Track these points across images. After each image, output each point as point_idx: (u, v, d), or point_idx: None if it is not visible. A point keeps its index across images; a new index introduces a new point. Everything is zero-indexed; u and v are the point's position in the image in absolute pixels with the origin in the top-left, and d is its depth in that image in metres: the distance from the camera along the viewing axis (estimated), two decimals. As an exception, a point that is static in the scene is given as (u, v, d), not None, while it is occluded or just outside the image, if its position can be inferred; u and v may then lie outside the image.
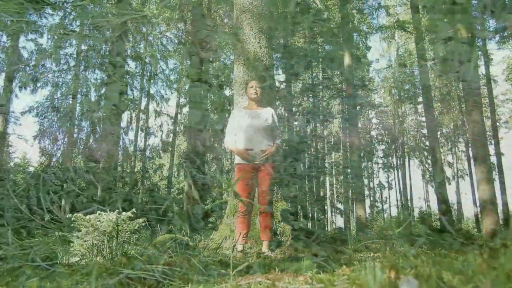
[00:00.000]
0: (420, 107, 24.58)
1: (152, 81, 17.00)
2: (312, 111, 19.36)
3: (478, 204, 14.59)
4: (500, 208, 13.03)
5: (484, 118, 10.60)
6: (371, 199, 29.18)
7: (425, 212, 25.28)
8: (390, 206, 30.66)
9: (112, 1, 12.14)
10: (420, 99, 18.83)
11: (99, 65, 13.65)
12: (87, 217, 3.01)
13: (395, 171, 28.20)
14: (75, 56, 14.30)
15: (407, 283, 0.86)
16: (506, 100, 25.04)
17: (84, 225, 2.96)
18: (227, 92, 15.78)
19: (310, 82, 20.36)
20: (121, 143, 15.23)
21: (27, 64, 13.64)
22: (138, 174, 17.64)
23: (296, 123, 19.89)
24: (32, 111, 14.88)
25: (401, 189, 24.94)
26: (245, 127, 3.64)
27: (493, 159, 15.54)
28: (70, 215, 2.93)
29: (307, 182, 20.64)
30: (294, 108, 18.78)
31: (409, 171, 25.74)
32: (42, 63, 13.73)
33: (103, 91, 12.74)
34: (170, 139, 18.49)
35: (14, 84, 12.50)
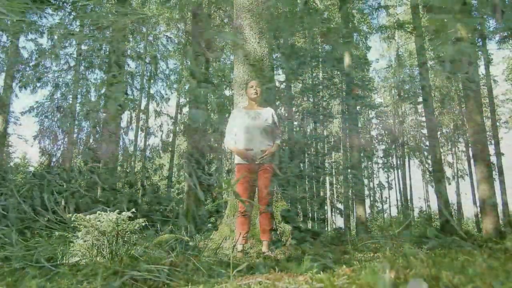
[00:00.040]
0: (420, 107, 24.58)
1: (152, 81, 17.00)
2: (312, 111, 19.36)
3: (478, 204, 14.60)
4: (500, 208, 13.03)
5: (484, 118, 10.60)
6: (371, 199, 29.18)
7: (425, 212, 25.29)
8: (390, 206, 30.67)
9: (112, 1, 12.14)
10: (420, 99, 18.83)
11: (99, 65, 13.66)
12: (87, 217, 3.01)
13: (395, 171, 28.20)
14: (75, 56, 14.31)
15: (415, 285, 0.85)
16: (506, 100, 25.05)
17: (84, 225, 2.96)
18: (227, 92, 15.79)
19: (310, 82, 20.36)
20: (121, 143, 15.24)
21: (27, 64, 13.64)
22: (138, 174, 17.64)
23: (296, 123, 19.89)
24: (32, 111, 14.89)
25: (401, 189, 24.93)
26: (245, 127, 3.63)
27: (493, 159, 15.54)
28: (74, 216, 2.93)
29: (307, 182, 20.64)
30: (294, 108, 18.79)
31: (409, 171, 25.75)
32: (42, 63, 13.74)
33: (103, 91, 12.74)
34: (170, 139, 18.49)
35: (14, 84, 12.51)
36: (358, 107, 19.08)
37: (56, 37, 12.61)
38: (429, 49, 15.23)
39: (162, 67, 17.02)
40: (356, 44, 19.09)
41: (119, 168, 15.50)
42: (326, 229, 21.69)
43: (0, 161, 10.74)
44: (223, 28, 15.04)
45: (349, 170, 17.39)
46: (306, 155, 20.76)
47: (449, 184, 23.77)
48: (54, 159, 15.75)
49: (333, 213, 24.12)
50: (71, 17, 12.16)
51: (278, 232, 4.36)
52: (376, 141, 28.41)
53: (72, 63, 14.26)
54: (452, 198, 22.97)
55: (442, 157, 20.11)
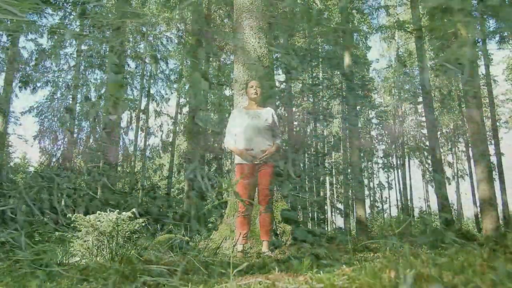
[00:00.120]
0: (420, 107, 24.58)
1: (152, 81, 17.00)
2: (312, 111, 19.36)
3: (478, 204, 14.59)
4: (500, 208, 13.03)
5: (484, 118, 10.60)
6: (371, 199, 29.17)
7: (425, 212, 25.29)
8: (390, 206, 30.66)
9: (113, 1, 12.15)
10: (420, 99, 18.83)
11: (99, 65, 13.66)
12: (87, 217, 3.01)
13: (395, 171, 28.20)
14: (75, 56, 14.31)
15: None
16: (506, 100, 25.05)
17: (84, 225, 2.96)
18: (227, 92, 15.80)
19: (310, 82, 20.36)
20: (121, 143, 15.24)
21: (27, 64, 13.65)
22: (138, 174, 17.64)
23: (296, 123, 19.90)
24: (32, 111, 14.90)
25: (401, 189, 24.93)
26: (245, 127, 3.64)
27: (493, 159, 15.54)
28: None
29: (307, 182, 20.64)
30: (294, 108, 18.79)
31: (409, 171, 25.75)
32: (42, 63, 13.74)
33: (103, 91, 12.74)
34: (170, 139, 18.49)
35: (14, 84, 12.51)
36: (358, 107, 19.08)
37: (56, 37, 12.62)
38: (429, 49, 15.23)
39: (162, 67, 17.03)
40: (356, 44, 19.09)
41: (119, 168, 15.50)
42: (326, 229, 21.69)
43: (0, 161, 10.74)
44: (223, 28, 15.05)
45: (349, 170, 17.39)
46: (306, 155, 20.76)
47: (449, 184, 23.78)
48: (54, 159, 15.76)
49: (333, 213, 24.12)
50: (71, 17, 12.17)
51: (278, 232, 4.36)
52: (376, 141, 28.41)
53: (72, 63, 14.27)
54: (452, 198, 22.99)
55: (442, 157, 20.12)
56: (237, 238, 3.46)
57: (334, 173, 25.29)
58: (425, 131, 23.13)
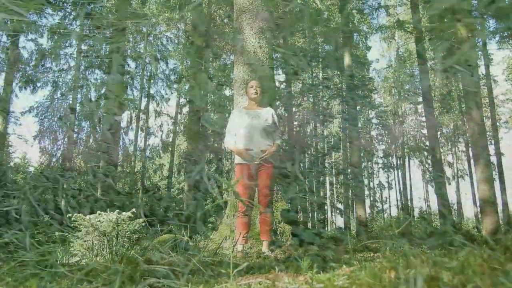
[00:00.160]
0: (420, 107, 24.59)
1: (152, 81, 17.00)
2: (312, 111, 19.36)
3: (478, 204, 14.59)
4: (500, 208, 13.03)
5: (484, 118, 10.60)
6: (371, 199, 29.16)
7: (425, 212, 25.29)
8: (390, 206, 30.67)
9: (113, 1, 12.15)
10: (420, 99, 18.82)
11: (99, 65, 13.66)
12: (87, 217, 3.01)
13: (395, 171, 28.20)
14: (75, 56, 14.31)
15: None
16: (506, 100, 25.06)
17: (84, 225, 2.96)
18: (227, 92, 15.80)
19: (310, 82, 20.36)
20: (121, 143, 15.24)
21: (27, 64, 13.65)
22: (138, 174, 17.64)
23: (296, 123, 19.90)
24: (32, 111, 14.91)
25: (401, 189, 24.93)
26: (245, 127, 3.64)
27: (493, 159, 15.54)
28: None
29: (307, 182, 20.62)
30: (294, 108, 18.78)
31: (409, 171, 25.76)
32: (42, 63, 13.74)
33: (103, 91, 12.73)
34: (170, 139, 18.49)
35: (14, 84, 12.51)
36: (358, 107, 19.08)
37: (56, 37, 12.63)
38: (429, 49, 15.23)
39: (162, 67, 17.03)
40: (356, 44, 19.08)
41: (119, 168, 15.50)
42: (326, 229, 21.68)
43: (0, 161, 10.75)
44: (223, 28, 15.05)
45: (349, 170, 17.39)
46: (306, 155, 20.76)
47: (449, 184, 23.78)
48: (54, 159, 15.76)
49: (333, 213, 24.12)
50: (72, 17, 12.18)
51: (278, 232, 4.36)
52: (376, 141, 28.41)
53: (72, 63, 14.27)
54: (452, 198, 22.99)
55: (442, 157, 20.11)
56: (237, 238, 3.46)
57: (334, 173, 25.29)
58: (425, 131, 23.14)
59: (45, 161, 16.07)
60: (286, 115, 16.41)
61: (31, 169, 18.89)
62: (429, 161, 21.85)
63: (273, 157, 3.65)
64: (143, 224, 3.25)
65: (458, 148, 26.18)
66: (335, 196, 25.23)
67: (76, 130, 15.59)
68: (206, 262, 1.91)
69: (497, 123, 19.44)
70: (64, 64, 14.17)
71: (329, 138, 25.25)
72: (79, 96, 14.79)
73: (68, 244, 2.91)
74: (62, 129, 15.37)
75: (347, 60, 12.69)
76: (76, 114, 14.93)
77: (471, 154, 19.36)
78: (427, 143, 16.97)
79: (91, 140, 15.73)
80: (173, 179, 19.84)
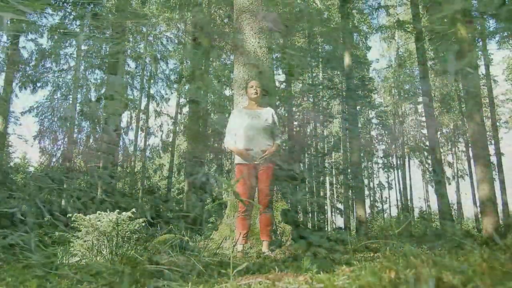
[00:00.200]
0: (420, 107, 24.59)
1: (152, 81, 16.99)
2: (312, 111, 19.36)
3: (478, 204, 14.59)
4: (500, 208, 13.03)
5: (484, 118, 10.59)
6: (371, 199, 29.16)
7: (425, 212, 25.29)
8: (390, 206, 30.66)
9: (113, 1, 12.14)
10: (420, 99, 18.82)
11: (99, 65, 13.66)
12: (87, 217, 3.01)
13: (395, 171, 28.20)
14: (75, 56, 14.31)
15: None
16: (506, 100, 25.05)
17: (84, 225, 2.96)
18: (227, 92, 15.80)
19: (310, 82, 20.36)
20: (121, 143, 15.23)
21: (27, 64, 13.64)
22: (138, 174, 17.64)
23: (296, 123, 19.89)
24: (32, 111, 14.89)
25: (401, 189, 24.93)
26: (245, 127, 3.63)
27: (493, 159, 15.54)
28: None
29: (307, 182, 20.62)
30: (294, 108, 18.78)
31: (409, 171, 25.75)
32: (42, 63, 13.74)
33: (103, 91, 12.73)
34: (170, 139, 18.49)
35: (14, 84, 12.50)
36: (358, 107, 19.08)
37: (56, 37, 12.62)
38: (429, 49, 15.23)
39: (162, 67, 17.02)
40: (356, 44, 19.08)
41: (119, 168, 15.50)
42: (326, 229, 21.69)
43: (0, 161, 10.74)
44: (223, 28, 15.04)
45: (349, 170, 17.39)
46: (306, 155, 20.76)
47: (449, 184, 23.78)
48: (54, 159, 15.75)
49: (333, 213, 24.12)
50: (71, 17, 12.17)
51: (278, 232, 4.36)
52: (376, 141, 28.40)
53: (72, 63, 14.27)
54: (452, 198, 22.98)
55: (442, 157, 20.11)
56: (237, 238, 3.46)
57: (334, 173, 25.29)
58: (425, 131, 23.14)
59: (45, 161, 16.05)
60: (286, 115, 16.41)
61: (31, 169, 18.91)
62: (429, 161, 21.85)
63: (273, 157, 3.65)
64: (143, 224, 3.25)
65: (458, 148, 26.17)
66: (335, 196, 25.23)
67: (76, 130, 15.58)
68: (206, 262, 1.91)
69: (497, 123, 19.44)
70: (64, 64, 14.16)
71: (329, 138, 25.25)
72: (79, 96, 14.80)
73: (68, 244, 2.91)
74: (62, 129, 15.36)
75: (347, 60, 12.69)
76: (76, 114, 14.94)
77: (471, 154, 19.35)
78: (427, 143, 16.97)
79: (91, 140, 15.72)
80: (173, 179, 19.84)
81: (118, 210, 3.16)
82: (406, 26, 13.75)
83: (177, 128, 18.51)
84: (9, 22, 9.43)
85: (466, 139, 22.33)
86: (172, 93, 17.93)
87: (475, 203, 20.19)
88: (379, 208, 29.90)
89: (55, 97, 14.84)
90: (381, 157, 28.80)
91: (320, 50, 20.13)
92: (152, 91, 17.46)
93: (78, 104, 14.82)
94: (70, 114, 13.16)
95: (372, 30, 18.87)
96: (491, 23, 10.76)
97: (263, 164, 3.56)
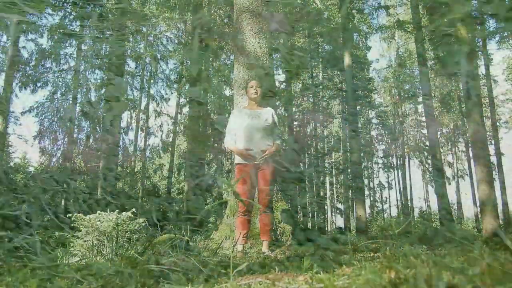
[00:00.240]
0: (420, 107, 24.59)
1: (152, 81, 17.00)
2: (312, 111, 19.36)
3: (478, 204, 14.59)
4: (500, 208, 13.03)
5: (484, 118, 10.60)
6: (371, 199, 29.18)
7: (425, 212, 25.29)
8: (390, 206, 30.67)
9: (113, 1, 12.14)
10: (420, 99, 18.83)
11: (99, 65, 13.66)
12: (87, 217, 3.01)
13: (395, 171, 28.20)
14: (75, 56, 14.31)
15: None
16: (506, 100, 25.05)
17: (84, 225, 2.96)
18: (227, 92, 15.80)
19: (310, 82, 20.36)
20: (121, 143, 15.23)
21: (27, 64, 13.64)
22: (138, 174, 17.64)
23: (296, 123, 19.89)
24: (32, 111, 14.89)
25: (401, 189, 24.94)
26: (245, 127, 3.63)
27: (493, 159, 15.55)
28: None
29: (307, 182, 20.63)
30: (294, 108, 18.79)
31: (409, 171, 25.75)
32: (42, 63, 13.74)
33: (103, 91, 12.73)
34: (170, 139, 18.49)
35: (14, 84, 12.50)
36: (358, 107, 19.08)
37: (56, 37, 12.62)
38: (429, 49, 15.22)
39: (162, 67, 17.03)
40: (356, 44, 19.09)
41: (119, 168, 15.50)
42: (326, 229, 21.70)
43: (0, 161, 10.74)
44: (223, 28, 15.04)
45: (349, 170, 17.39)
46: (306, 155, 20.77)
47: (449, 184, 23.78)
48: (54, 159, 15.75)
49: (333, 213, 24.13)
50: (71, 17, 12.17)
51: (278, 232, 4.36)
52: (376, 141, 28.41)
53: (72, 63, 14.27)
54: (452, 198, 22.99)
55: (442, 157, 20.12)
56: (237, 238, 3.46)
57: (334, 173, 25.30)
58: (425, 131, 23.15)
59: (45, 161, 16.05)
60: (286, 115, 16.40)
61: (31, 169, 18.91)
62: (429, 161, 21.85)
63: (273, 157, 3.65)
64: (143, 224, 3.25)
65: (458, 148, 26.18)
66: (335, 196, 25.23)
67: (76, 130, 15.59)
68: (206, 262, 1.91)
69: (497, 123, 19.43)
70: (64, 64, 14.16)
71: (329, 138, 25.25)
72: (79, 96, 14.80)
73: (68, 244, 2.92)
74: (62, 129, 15.36)
75: (347, 60, 12.68)
76: (76, 114, 14.94)
77: (471, 154, 19.36)
78: (427, 143, 16.97)
79: (91, 140, 15.72)
80: (173, 179, 19.84)
81: (117, 210, 3.16)
82: (406, 26, 13.75)
83: (177, 128, 18.51)
84: (9, 22, 9.43)
85: (466, 139, 22.33)
86: (172, 93, 17.94)
87: (475, 203, 20.19)
88: (379, 208, 29.91)
89: (55, 97, 14.84)
90: (381, 157, 28.81)
91: (320, 50, 20.13)
92: (152, 91, 17.48)
93: (78, 104, 14.82)
94: (70, 114, 13.14)
95: (372, 30, 18.88)
96: (491, 23, 10.76)
97: (263, 164, 3.56)
